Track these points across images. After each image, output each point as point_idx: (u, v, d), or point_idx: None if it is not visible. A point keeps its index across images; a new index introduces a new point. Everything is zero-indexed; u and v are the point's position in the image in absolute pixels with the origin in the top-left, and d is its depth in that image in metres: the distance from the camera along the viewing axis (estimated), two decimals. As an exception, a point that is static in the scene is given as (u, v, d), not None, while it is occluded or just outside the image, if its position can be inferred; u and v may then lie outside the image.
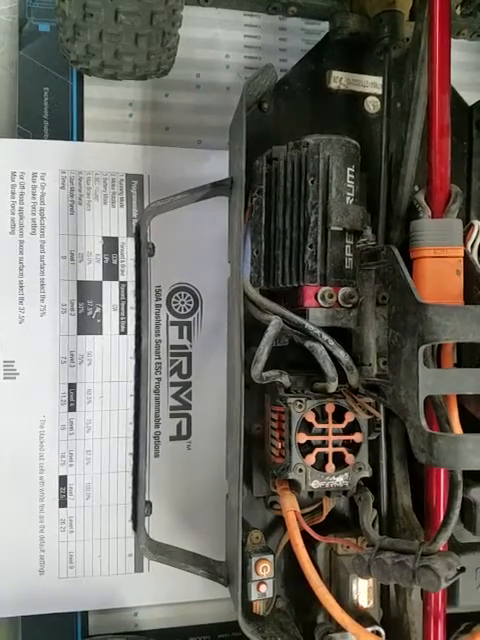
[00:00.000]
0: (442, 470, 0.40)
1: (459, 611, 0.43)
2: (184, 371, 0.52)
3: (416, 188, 0.43)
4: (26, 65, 0.49)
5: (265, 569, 0.42)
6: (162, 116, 0.52)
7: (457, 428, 0.37)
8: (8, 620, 0.50)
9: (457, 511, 0.36)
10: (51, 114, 0.50)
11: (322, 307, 0.40)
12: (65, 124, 0.50)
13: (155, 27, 0.40)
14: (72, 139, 0.50)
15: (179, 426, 0.52)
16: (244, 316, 0.40)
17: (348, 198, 0.41)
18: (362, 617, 0.42)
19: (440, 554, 0.37)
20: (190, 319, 0.52)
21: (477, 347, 0.38)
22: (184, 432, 0.52)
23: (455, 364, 0.39)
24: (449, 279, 0.38)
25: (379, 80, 0.47)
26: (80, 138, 0.50)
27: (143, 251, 0.41)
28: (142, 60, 0.43)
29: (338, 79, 0.48)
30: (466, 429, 0.37)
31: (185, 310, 0.52)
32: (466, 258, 0.39)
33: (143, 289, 0.41)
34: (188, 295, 0.52)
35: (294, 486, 0.41)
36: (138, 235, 0.41)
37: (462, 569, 0.37)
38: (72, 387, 0.50)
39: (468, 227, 0.41)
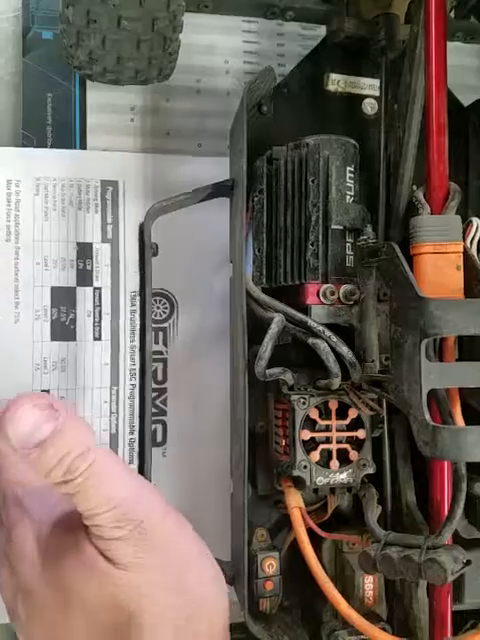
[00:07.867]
0: (446, 464, 0.40)
1: (465, 608, 0.43)
2: (159, 377, 0.51)
3: (414, 187, 0.43)
4: (30, 72, 0.50)
5: (271, 566, 0.42)
6: (163, 121, 0.53)
7: (460, 421, 0.37)
8: (5, 626, 0.49)
9: (462, 504, 0.36)
10: (55, 120, 0.50)
11: (324, 304, 0.40)
12: (69, 130, 0.50)
13: (157, 32, 0.40)
14: (75, 145, 0.51)
15: (154, 433, 0.50)
16: (246, 314, 0.40)
17: (348, 197, 0.41)
18: (368, 614, 0.42)
19: (446, 547, 0.37)
20: (166, 325, 0.51)
21: (478, 340, 0.38)
22: (159, 439, 0.50)
23: (457, 359, 0.40)
24: (449, 274, 0.38)
25: (376, 82, 0.48)
26: (83, 144, 0.51)
27: (147, 252, 0.42)
28: (144, 65, 0.44)
29: (336, 82, 0.48)
30: (469, 422, 0.37)
31: (161, 316, 0.51)
32: (466, 253, 0.39)
33: (147, 288, 0.41)
34: (163, 300, 0.51)
35: (299, 483, 0.41)
36: (142, 236, 0.42)
37: (468, 562, 0.37)
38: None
39: (467, 224, 0.41)
